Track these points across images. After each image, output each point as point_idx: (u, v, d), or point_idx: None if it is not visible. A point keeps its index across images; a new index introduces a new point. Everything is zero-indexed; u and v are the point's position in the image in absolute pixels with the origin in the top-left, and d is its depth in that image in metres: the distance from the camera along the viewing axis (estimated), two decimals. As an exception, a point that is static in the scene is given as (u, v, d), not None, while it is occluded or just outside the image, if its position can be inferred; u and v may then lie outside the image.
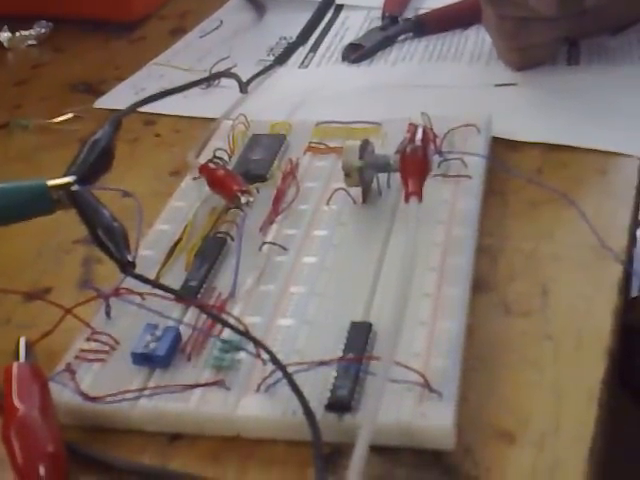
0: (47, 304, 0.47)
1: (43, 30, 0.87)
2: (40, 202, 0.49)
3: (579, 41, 0.73)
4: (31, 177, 0.50)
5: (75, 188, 0.48)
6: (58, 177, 0.50)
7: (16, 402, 0.40)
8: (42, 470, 0.37)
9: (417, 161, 0.50)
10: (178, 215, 0.54)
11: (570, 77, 0.69)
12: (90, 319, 0.46)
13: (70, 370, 0.43)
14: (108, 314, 0.47)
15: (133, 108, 0.62)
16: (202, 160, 0.58)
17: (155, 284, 0.47)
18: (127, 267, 0.46)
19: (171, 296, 0.46)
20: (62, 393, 0.42)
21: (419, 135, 0.52)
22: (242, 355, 0.43)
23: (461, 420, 0.40)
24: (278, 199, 0.54)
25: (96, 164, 0.52)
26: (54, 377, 0.43)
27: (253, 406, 0.41)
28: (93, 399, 0.42)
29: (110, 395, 0.42)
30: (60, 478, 0.38)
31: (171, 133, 0.68)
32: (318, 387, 0.41)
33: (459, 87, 0.70)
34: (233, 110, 0.66)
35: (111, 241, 0.46)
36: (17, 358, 0.43)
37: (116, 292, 0.47)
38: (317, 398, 0.40)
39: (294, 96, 0.70)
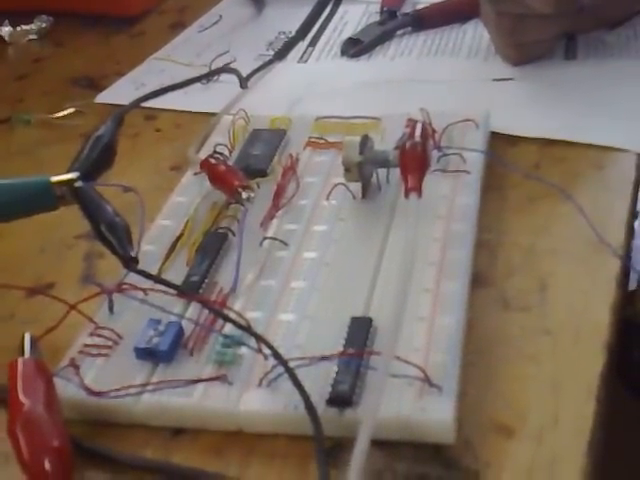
0: (50, 299, 0.48)
1: (44, 24, 0.87)
2: (43, 198, 0.49)
3: (576, 36, 0.73)
4: (33, 172, 0.50)
5: (78, 184, 0.49)
6: (60, 172, 0.50)
7: (21, 397, 0.40)
8: (47, 464, 0.38)
9: (416, 157, 0.50)
10: (179, 210, 0.55)
11: (567, 71, 0.69)
12: (93, 314, 0.46)
13: (74, 365, 0.44)
14: (111, 309, 0.47)
15: (135, 104, 0.62)
16: (203, 155, 0.58)
17: (157, 279, 0.47)
18: (130, 263, 0.46)
19: (173, 291, 0.46)
20: (66, 388, 0.43)
21: (418, 130, 0.52)
22: (244, 350, 0.43)
23: (460, 414, 0.40)
24: (278, 194, 0.55)
25: (99, 160, 0.52)
26: (58, 372, 0.43)
27: (255, 401, 0.41)
28: (97, 394, 0.42)
29: (114, 390, 0.42)
30: (65, 472, 0.38)
31: (172, 128, 0.68)
32: (319, 382, 0.41)
33: (457, 82, 0.71)
34: (233, 105, 0.66)
35: (114, 237, 0.46)
36: (22, 353, 0.43)
37: (119, 288, 0.47)
38: (318, 393, 0.41)
39: (293, 91, 0.70)
